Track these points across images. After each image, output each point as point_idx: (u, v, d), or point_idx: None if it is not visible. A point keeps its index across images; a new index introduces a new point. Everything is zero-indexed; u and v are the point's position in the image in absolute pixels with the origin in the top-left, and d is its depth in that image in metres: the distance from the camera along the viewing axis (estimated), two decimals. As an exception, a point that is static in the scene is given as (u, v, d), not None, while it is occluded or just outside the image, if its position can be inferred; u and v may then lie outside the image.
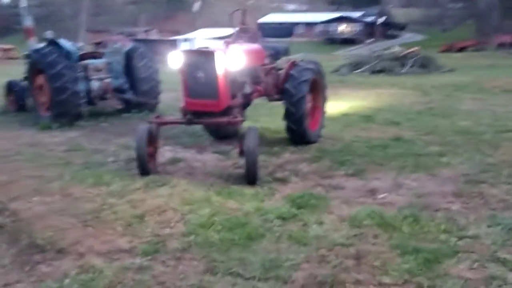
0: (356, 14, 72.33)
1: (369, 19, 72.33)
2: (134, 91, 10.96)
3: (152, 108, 11.12)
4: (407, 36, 74.28)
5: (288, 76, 7.14)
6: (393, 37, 73.85)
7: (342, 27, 70.98)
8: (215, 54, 5.68)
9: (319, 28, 72.68)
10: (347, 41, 67.34)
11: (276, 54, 7.50)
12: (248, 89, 6.56)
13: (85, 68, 10.49)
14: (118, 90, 10.89)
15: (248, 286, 3.46)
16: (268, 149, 7.25)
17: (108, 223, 4.73)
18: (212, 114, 5.92)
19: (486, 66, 25.41)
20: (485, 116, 10.39)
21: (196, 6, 58.57)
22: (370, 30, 71.42)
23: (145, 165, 6.03)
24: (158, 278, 3.68)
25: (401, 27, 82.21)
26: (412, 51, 23.62)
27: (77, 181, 6.05)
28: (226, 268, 3.70)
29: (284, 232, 4.27)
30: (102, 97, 10.67)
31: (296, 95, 7.00)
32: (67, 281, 3.68)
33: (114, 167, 6.81)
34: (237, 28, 7.27)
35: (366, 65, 22.75)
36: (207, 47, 5.99)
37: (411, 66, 22.00)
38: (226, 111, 5.92)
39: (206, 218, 4.65)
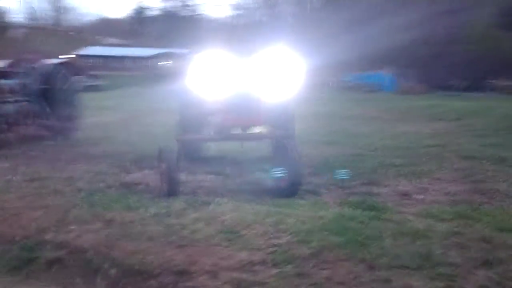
0: (184, 51, 74.17)
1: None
2: (55, 116, 9.89)
3: (73, 134, 10.17)
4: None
5: None
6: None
7: (170, 63, 71.98)
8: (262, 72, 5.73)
9: (145, 63, 72.36)
10: (175, 76, 68.28)
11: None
12: None
13: (-1, 89, 9.16)
14: (37, 115, 9.71)
15: (424, 276, 3.67)
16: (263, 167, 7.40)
17: (202, 241, 4.41)
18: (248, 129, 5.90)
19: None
20: (390, 136, 11.93)
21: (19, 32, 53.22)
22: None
23: (177, 186, 5.68)
24: (333, 279, 3.65)
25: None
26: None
27: (101, 207, 5.39)
28: (386, 263, 3.85)
29: (391, 229, 4.55)
30: (21, 123, 9.37)
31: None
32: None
33: (118, 191, 6.21)
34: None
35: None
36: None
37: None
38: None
39: (301, 227, 4.67)
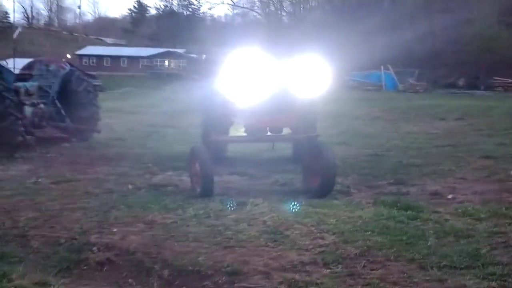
0: (180, 50, 74.16)
1: (193, 55, 74.57)
2: (71, 118, 9.88)
3: (89, 136, 10.18)
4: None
5: None
6: (215, 73, 77.18)
7: (168, 62, 71.85)
8: (297, 71, 5.80)
9: (143, 63, 72.21)
10: (173, 77, 68.06)
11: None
12: None
13: (16, 91, 9.13)
14: (53, 117, 9.70)
15: (475, 275, 3.72)
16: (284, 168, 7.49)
17: (249, 242, 4.47)
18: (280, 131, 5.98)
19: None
20: (398, 136, 12.08)
21: (16, 32, 52.99)
22: (195, 67, 73.48)
23: (212, 187, 5.73)
24: (386, 279, 3.71)
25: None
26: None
27: (139, 209, 5.43)
28: (436, 263, 3.92)
29: (432, 229, 4.64)
30: (37, 125, 9.36)
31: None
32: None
33: (149, 193, 6.28)
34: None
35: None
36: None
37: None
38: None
39: (342, 226, 4.74)
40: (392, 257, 4.07)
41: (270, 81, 5.66)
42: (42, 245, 4.64)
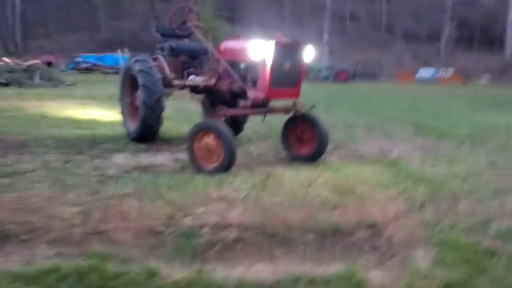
0: None
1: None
2: None
3: None
4: None
5: None
6: None
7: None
8: (304, 46, 6.03)
9: None
10: None
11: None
12: None
13: None
14: None
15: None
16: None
17: (345, 201, 4.71)
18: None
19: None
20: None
21: None
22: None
23: (235, 160, 5.58)
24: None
25: None
26: (35, 63, 23.32)
27: (189, 189, 4.93)
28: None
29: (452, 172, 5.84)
30: None
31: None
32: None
33: (149, 175, 5.62)
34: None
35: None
36: (294, 40, 6.01)
37: (40, 79, 21.64)
38: None
39: (396, 180, 5.46)
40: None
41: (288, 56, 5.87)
42: (135, 238, 3.99)
